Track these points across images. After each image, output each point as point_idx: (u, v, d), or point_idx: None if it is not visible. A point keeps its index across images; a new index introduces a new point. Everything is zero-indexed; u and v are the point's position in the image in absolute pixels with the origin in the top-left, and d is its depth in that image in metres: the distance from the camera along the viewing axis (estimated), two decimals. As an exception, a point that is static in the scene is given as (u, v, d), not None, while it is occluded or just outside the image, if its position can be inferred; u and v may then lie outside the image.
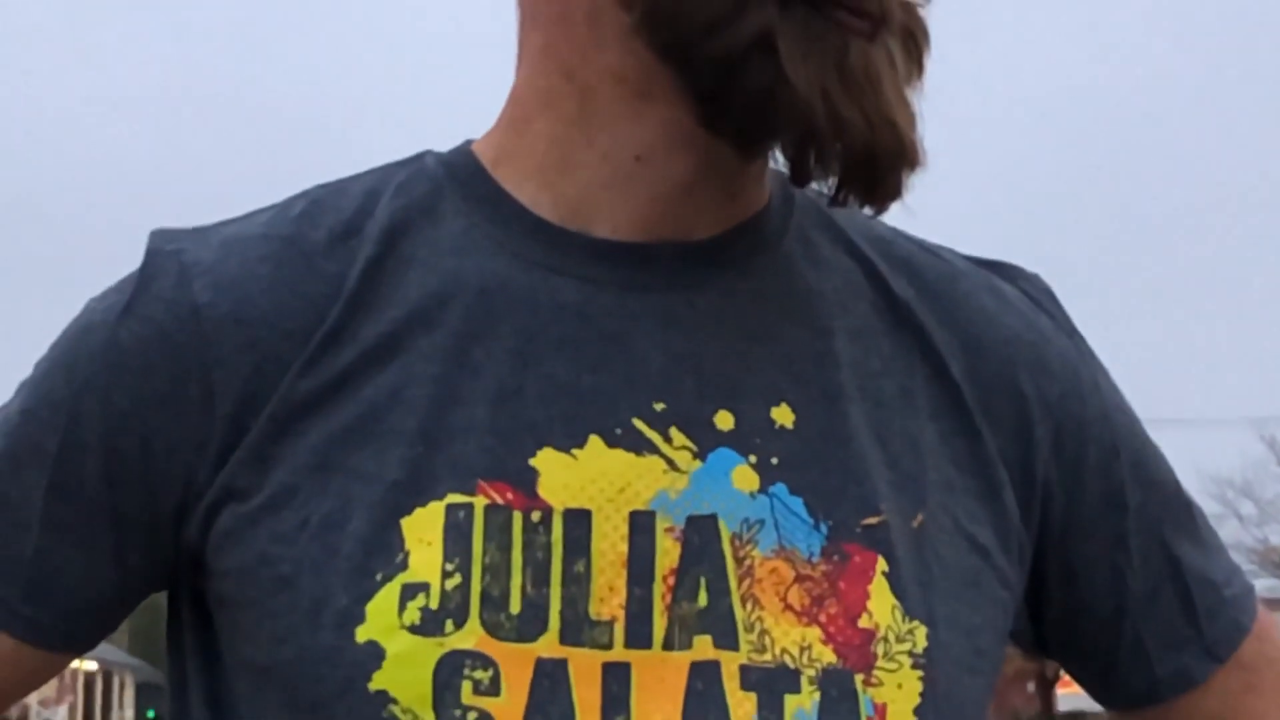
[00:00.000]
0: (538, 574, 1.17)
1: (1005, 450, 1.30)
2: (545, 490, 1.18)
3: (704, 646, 1.18)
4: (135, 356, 1.23)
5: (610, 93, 1.23)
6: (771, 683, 1.18)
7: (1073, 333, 1.38)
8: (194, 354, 1.22)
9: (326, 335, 1.22)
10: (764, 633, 1.19)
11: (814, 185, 1.24)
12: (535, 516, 1.18)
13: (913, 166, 1.21)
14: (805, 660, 1.19)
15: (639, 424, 1.21)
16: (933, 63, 1.26)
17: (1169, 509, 1.38)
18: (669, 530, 1.19)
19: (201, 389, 1.22)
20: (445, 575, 1.16)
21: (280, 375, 1.21)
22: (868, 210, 1.23)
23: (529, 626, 1.16)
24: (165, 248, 1.26)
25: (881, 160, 1.19)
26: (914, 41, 1.24)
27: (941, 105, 1.28)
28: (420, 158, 1.32)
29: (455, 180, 1.29)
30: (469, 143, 1.32)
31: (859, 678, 1.19)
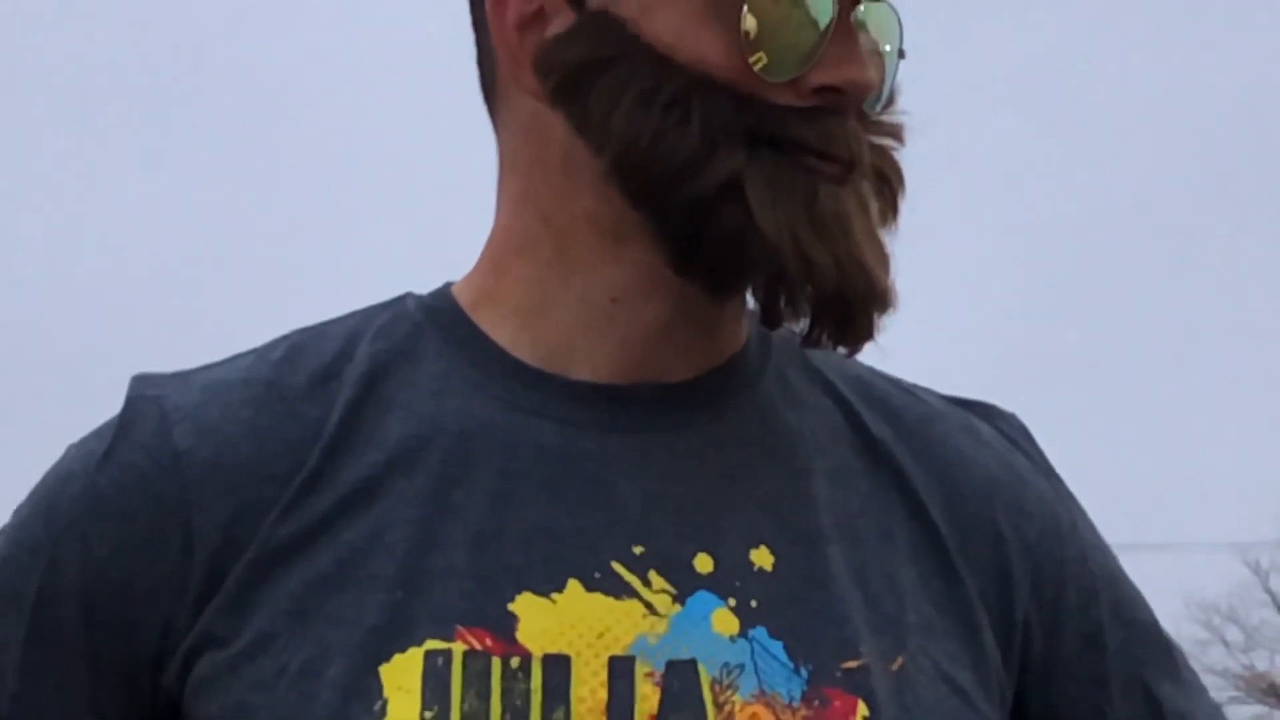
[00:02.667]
0: None
1: (984, 591, 1.30)
2: (524, 635, 1.18)
3: None
4: (115, 503, 1.23)
5: (585, 237, 1.25)
6: None
7: (1050, 473, 1.38)
8: (174, 500, 1.22)
9: (306, 480, 1.22)
10: None
11: (789, 326, 1.26)
12: (514, 662, 1.18)
13: (884, 308, 1.23)
14: None
15: (618, 567, 1.21)
16: (912, 202, 1.28)
17: (1149, 649, 1.38)
18: (649, 675, 1.19)
19: (181, 535, 1.22)
20: None
21: (260, 520, 1.21)
22: (841, 351, 1.24)
23: None
24: (146, 393, 1.27)
25: (852, 302, 1.21)
26: (888, 184, 1.26)
27: (920, 240, 1.30)
28: (401, 300, 1.32)
29: (435, 323, 1.29)
30: (449, 285, 1.32)
31: None
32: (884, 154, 1.26)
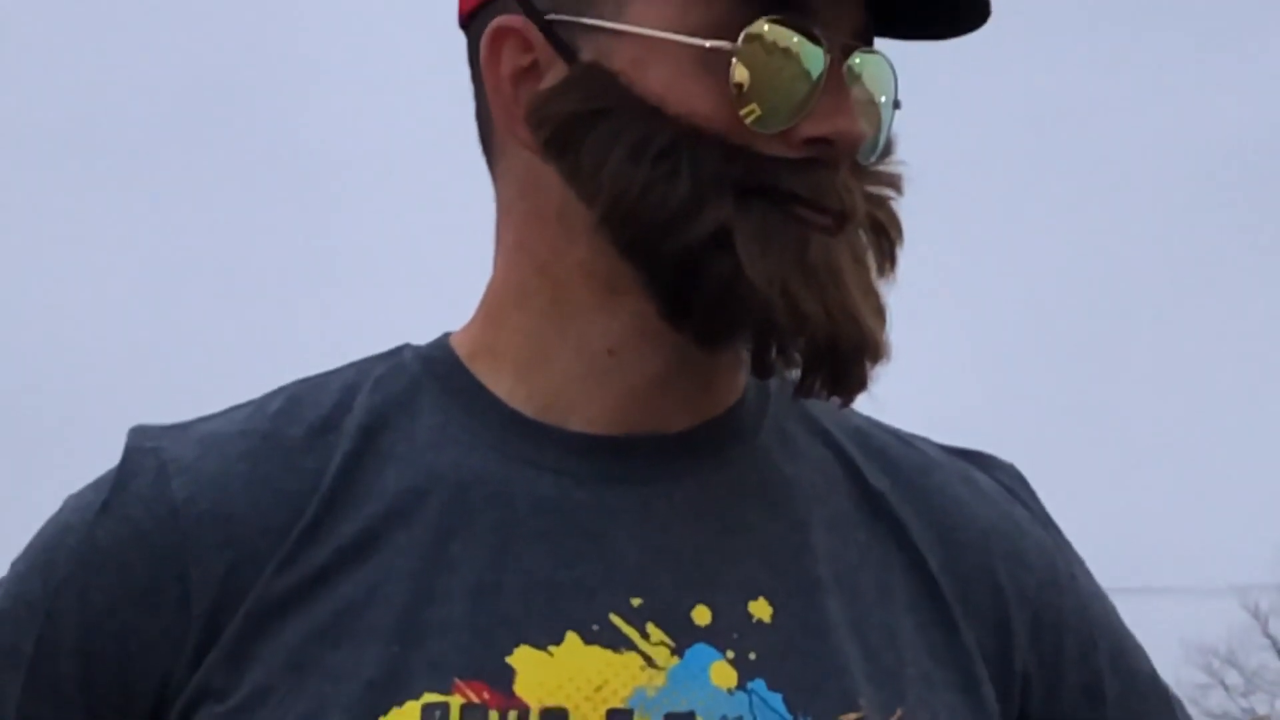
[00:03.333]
0: None
1: (983, 642, 1.30)
2: (522, 689, 1.18)
3: None
4: (112, 556, 1.23)
5: (581, 287, 1.25)
6: None
7: (1048, 523, 1.38)
8: (171, 552, 1.22)
9: (303, 532, 1.22)
10: None
11: (783, 377, 1.26)
12: (512, 716, 1.17)
13: (876, 359, 1.23)
14: None
15: (616, 620, 1.21)
16: (913, 249, 1.28)
17: (1148, 700, 1.38)
18: None
19: (179, 587, 1.22)
20: None
21: (258, 573, 1.21)
22: (835, 401, 1.24)
23: None
24: (144, 445, 1.27)
25: (844, 353, 1.21)
26: (885, 235, 1.26)
27: (920, 285, 1.30)
28: (399, 351, 1.32)
29: (432, 374, 1.29)
30: (447, 336, 1.33)
31: None
32: (882, 204, 1.26)
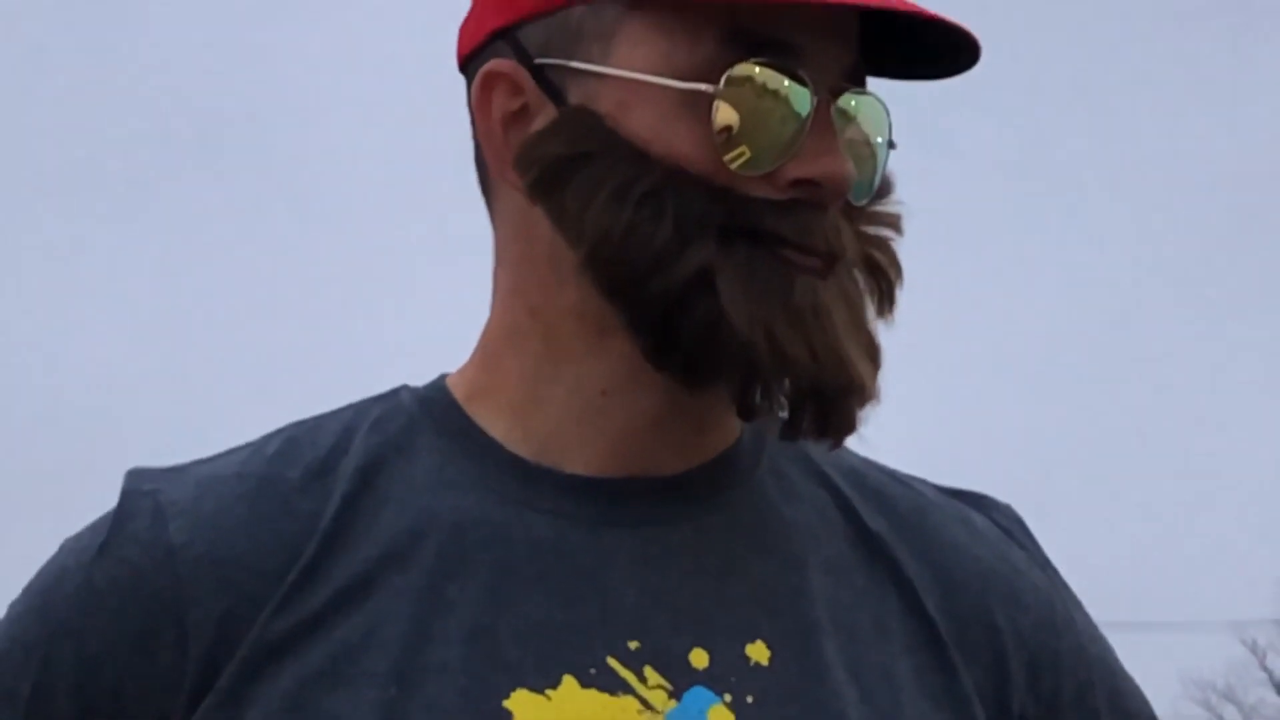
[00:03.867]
0: None
1: (981, 684, 1.29)
2: None
3: None
4: (110, 599, 1.23)
5: (572, 330, 1.25)
6: None
7: (1045, 564, 1.38)
8: (169, 595, 1.22)
9: (301, 574, 1.22)
10: None
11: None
12: None
13: (864, 401, 1.23)
14: None
15: (613, 663, 1.20)
16: (913, 288, 1.28)
17: None
18: None
19: (176, 630, 1.22)
20: None
21: (254, 615, 1.21)
22: (825, 443, 1.24)
23: None
24: (141, 488, 1.27)
25: (828, 395, 1.21)
26: (883, 275, 1.26)
27: (917, 331, 1.30)
28: (396, 393, 1.33)
29: (430, 416, 1.29)
30: (444, 377, 1.33)
31: None
32: (880, 244, 1.26)
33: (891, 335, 1.28)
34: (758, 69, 1.21)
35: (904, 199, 1.29)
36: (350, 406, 1.33)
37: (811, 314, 1.20)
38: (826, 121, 1.22)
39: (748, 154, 1.21)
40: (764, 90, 1.21)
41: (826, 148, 1.22)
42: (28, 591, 1.27)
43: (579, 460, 1.26)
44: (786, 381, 1.21)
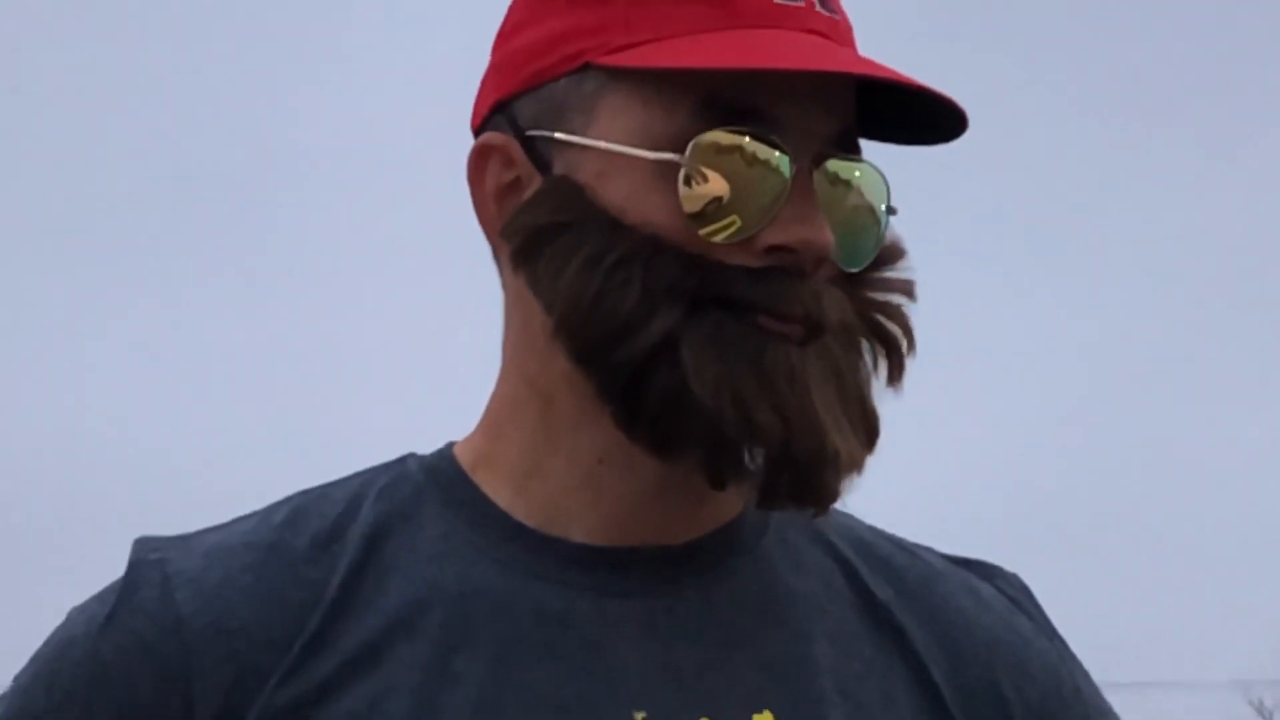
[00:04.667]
0: None
1: None
2: None
3: None
4: (117, 669, 1.23)
5: (567, 398, 1.25)
6: None
7: (1053, 634, 1.38)
8: (176, 665, 1.22)
9: (307, 644, 1.22)
10: None
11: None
12: None
13: (841, 470, 1.22)
14: None
15: None
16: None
17: None
18: None
19: (182, 700, 1.21)
20: None
21: (261, 686, 1.21)
22: (807, 512, 1.24)
23: None
24: (148, 557, 1.27)
25: (801, 462, 1.20)
26: (891, 343, 1.26)
27: (924, 386, 1.29)
28: (403, 461, 1.33)
29: (436, 485, 1.29)
30: (451, 445, 1.33)
31: None
32: (889, 311, 1.26)
33: (898, 397, 1.28)
34: (726, 136, 1.21)
35: (918, 255, 1.29)
36: (357, 475, 1.33)
37: (786, 380, 1.20)
38: (806, 188, 1.22)
39: (720, 222, 1.21)
40: (735, 158, 1.21)
41: (804, 214, 1.21)
42: (35, 660, 1.27)
43: (581, 529, 1.26)
44: (759, 449, 1.20)
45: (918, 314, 1.29)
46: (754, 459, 1.21)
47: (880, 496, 1.30)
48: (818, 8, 1.25)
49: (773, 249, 1.21)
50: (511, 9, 1.31)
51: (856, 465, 1.22)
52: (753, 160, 1.21)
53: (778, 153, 1.21)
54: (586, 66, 1.24)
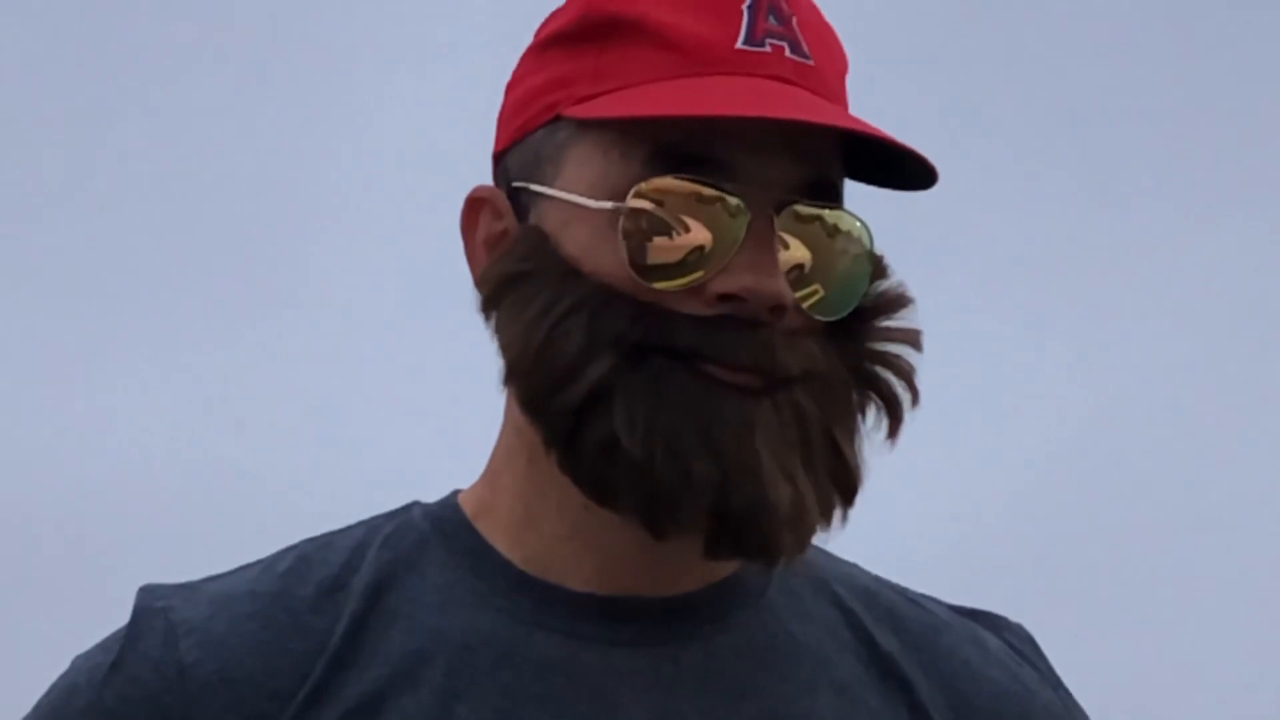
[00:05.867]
0: None
1: None
2: None
3: None
4: (121, 718, 1.22)
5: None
6: None
7: (1057, 685, 1.37)
8: (179, 715, 1.22)
9: (310, 694, 1.22)
10: None
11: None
12: None
13: (787, 523, 1.19)
14: None
15: None
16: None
17: None
18: None
19: None
20: None
21: None
22: (753, 565, 1.22)
23: None
24: (153, 605, 1.26)
25: (737, 514, 1.18)
26: (886, 393, 1.25)
27: (919, 439, 1.28)
28: (408, 509, 1.32)
29: (440, 533, 1.29)
30: (455, 493, 1.32)
31: None
32: (885, 360, 1.25)
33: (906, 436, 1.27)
34: (670, 183, 1.20)
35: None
36: (362, 523, 1.32)
37: (732, 431, 1.18)
38: (763, 236, 1.20)
39: (665, 270, 1.20)
40: (680, 206, 1.20)
41: (756, 263, 1.20)
42: (37, 709, 1.27)
43: (579, 578, 1.25)
44: (701, 500, 1.18)
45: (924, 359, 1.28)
46: (698, 509, 1.19)
47: (883, 538, 1.29)
48: (789, 54, 1.23)
49: (723, 297, 1.20)
50: (519, 61, 1.31)
51: (812, 518, 1.20)
52: (697, 209, 1.20)
53: (726, 199, 1.20)
54: (557, 118, 1.24)
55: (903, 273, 1.28)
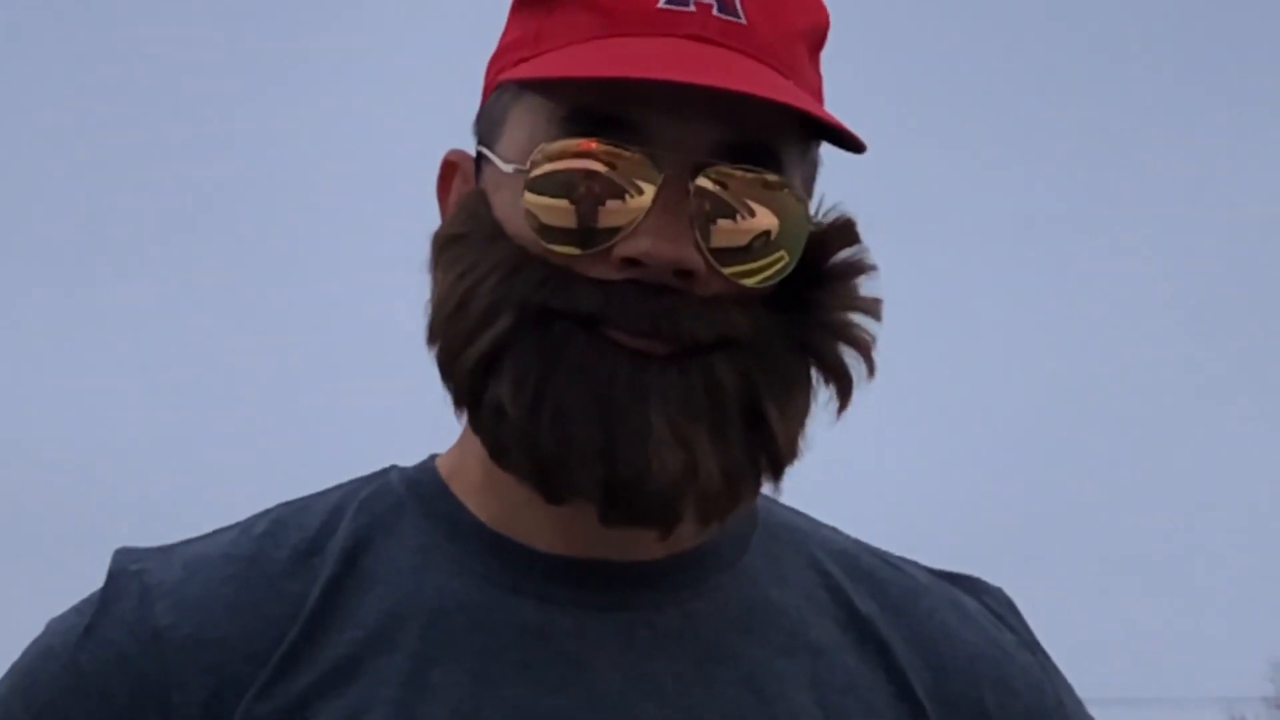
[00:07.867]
0: None
1: None
2: None
3: None
4: (94, 681, 1.22)
5: None
6: None
7: (1036, 648, 1.37)
8: (154, 677, 1.21)
9: (285, 657, 1.22)
10: None
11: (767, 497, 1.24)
12: None
13: (681, 490, 1.16)
14: None
15: None
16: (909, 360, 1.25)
17: None
18: None
19: (160, 713, 1.21)
20: None
21: (239, 698, 1.20)
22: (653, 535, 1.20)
23: None
24: (128, 568, 1.26)
25: (627, 482, 1.16)
26: (833, 363, 1.22)
27: (906, 402, 1.27)
28: (385, 473, 1.32)
29: (416, 497, 1.29)
30: (433, 457, 1.32)
31: None
32: (836, 329, 1.22)
33: (883, 406, 1.25)
34: (570, 144, 1.18)
35: (886, 262, 1.25)
36: (339, 487, 1.32)
37: (626, 395, 1.16)
38: (672, 200, 1.17)
39: (562, 232, 1.18)
40: (577, 168, 1.18)
41: (661, 227, 1.17)
42: (12, 672, 1.26)
43: (543, 541, 1.24)
44: (596, 467, 1.16)
45: (899, 317, 1.26)
46: (590, 476, 1.16)
47: (861, 507, 1.28)
48: (716, 12, 1.20)
49: (627, 261, 1.18)
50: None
51: (711, 485, 1.17)
52: (598, 171, 1.18)
53: (627, 160, 1.18)
54: (504, 82, 1.24)
55: (883, 245, 1.26)
